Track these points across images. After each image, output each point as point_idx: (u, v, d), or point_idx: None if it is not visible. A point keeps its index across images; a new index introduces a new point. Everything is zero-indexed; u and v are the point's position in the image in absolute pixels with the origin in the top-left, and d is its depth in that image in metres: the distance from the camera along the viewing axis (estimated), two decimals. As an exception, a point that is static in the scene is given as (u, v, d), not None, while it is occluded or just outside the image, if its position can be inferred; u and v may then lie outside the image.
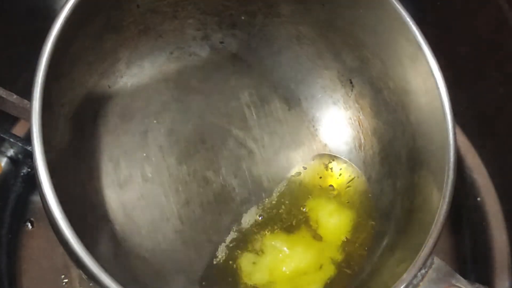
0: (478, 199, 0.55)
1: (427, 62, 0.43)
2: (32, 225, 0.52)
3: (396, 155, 0.49)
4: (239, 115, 0.54)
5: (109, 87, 0.50)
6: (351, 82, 0.53)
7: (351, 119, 0.53)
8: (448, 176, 0.40)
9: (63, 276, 0.50)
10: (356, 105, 0.53)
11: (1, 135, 0.51)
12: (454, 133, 0.41)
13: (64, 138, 0.46)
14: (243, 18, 0.53)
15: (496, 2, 0.52)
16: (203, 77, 0.53)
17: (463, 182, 0.56)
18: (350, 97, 0.53)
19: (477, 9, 0.55)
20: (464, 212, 0.56)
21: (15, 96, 0.43)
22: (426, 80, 0.43)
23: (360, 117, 0.53)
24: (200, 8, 0.53)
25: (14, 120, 0.54)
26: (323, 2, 0.50)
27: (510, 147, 0.54)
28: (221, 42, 0.54)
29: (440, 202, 0.40)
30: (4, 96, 0.44)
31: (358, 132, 0.53)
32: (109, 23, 0.47)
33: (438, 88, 0.42)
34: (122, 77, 0.51)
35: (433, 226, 0.39)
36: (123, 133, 0.50)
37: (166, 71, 0.53)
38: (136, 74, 0.52)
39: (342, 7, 0.48)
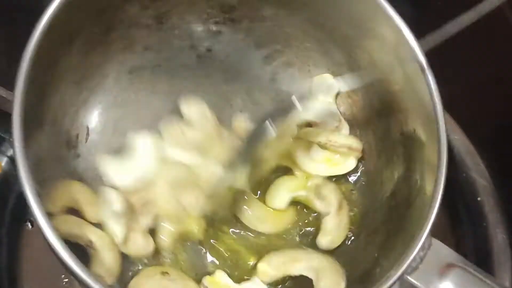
0: (478, 199, 0.55)
1: (410, 47, 0.43)
2: (32, 225, 0.52)
3: (392, 146, 0.49)
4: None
5: (99, 103, 0.51)
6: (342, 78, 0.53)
7: (345, 114, 0.54)
8: (441, 159, 0.41)
9: (63, 276, 0.50)
10: (349, 100, 0.53)
11: (1, 135, 0.51)
12: (442, 116, 0.41)
13: (54, 155, 0.46)
14: (228, 24, 0.54)
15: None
16: (194, 86, 0.53)
17: (463, 182, 0.56)
18: (342, 92, 0.53)
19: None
20: (464, 212, 0.56)
21: (15, 96, 0.43)
22: (410, 66, 0.43)
23: (354, 111, 0.53)
24: (183, 18, 0.53)
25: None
26: (304, 1, 0.50)
27: (510, 147, 0.55)
28: (209, 50, 0.55)
29: (434, 185, 0.40)
30: (4, 96, 0.44)
31: (353, 126, 0.53)
32: (93, 39, 0.47)
33: (423, 73, 0.42)
34: (111, 91, 0.51)
35: (428, 207, 0.39)
36: (115, 147, 0.50)
37: (156, 84, 0.53)
38: (126, 88, 0.52)
39: (322, 2, 0.49)
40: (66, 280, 0.50)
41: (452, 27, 0.40)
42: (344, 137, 0.51)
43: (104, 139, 0.51)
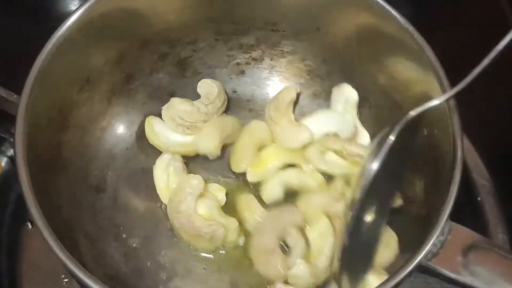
0: (478, 199, 0.55)
1: (432, 69, 0.43)
2: (32, 225, 0.52)
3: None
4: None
5: (128, 149, 0.53)
6: (367, 100, 0.52)
7: (368, 122, 0.53)
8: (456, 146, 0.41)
9: (63, 276, 0.50)
10: (376, 120, 0.53)
11: (1, 135, 0.51)
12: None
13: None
14: (250, 64, 0.55)
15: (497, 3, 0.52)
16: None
17: (463, 182, 0.56)
18: (369, 115, 0.53)
19: (478, 11, 0.55)
20: (464, 211, 0.56)
21: (15, 96, 0.44)
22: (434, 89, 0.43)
23: (376, 120, 0.53)
24: (206, 62, 0.54)
25: (14, 119, 0.54)
26: (317, 26, 0.50)
27: (510, 147, 0.54)
28: (234, 92, 0.56)
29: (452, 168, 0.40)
30: (4, 96, 0.44)
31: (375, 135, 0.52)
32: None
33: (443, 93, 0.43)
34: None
35: (446, 191, 0.39)
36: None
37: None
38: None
39: (335, 23, 0.49)
40: (66, 280, 0.50)
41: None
42: (357, 147, 0.51)
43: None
